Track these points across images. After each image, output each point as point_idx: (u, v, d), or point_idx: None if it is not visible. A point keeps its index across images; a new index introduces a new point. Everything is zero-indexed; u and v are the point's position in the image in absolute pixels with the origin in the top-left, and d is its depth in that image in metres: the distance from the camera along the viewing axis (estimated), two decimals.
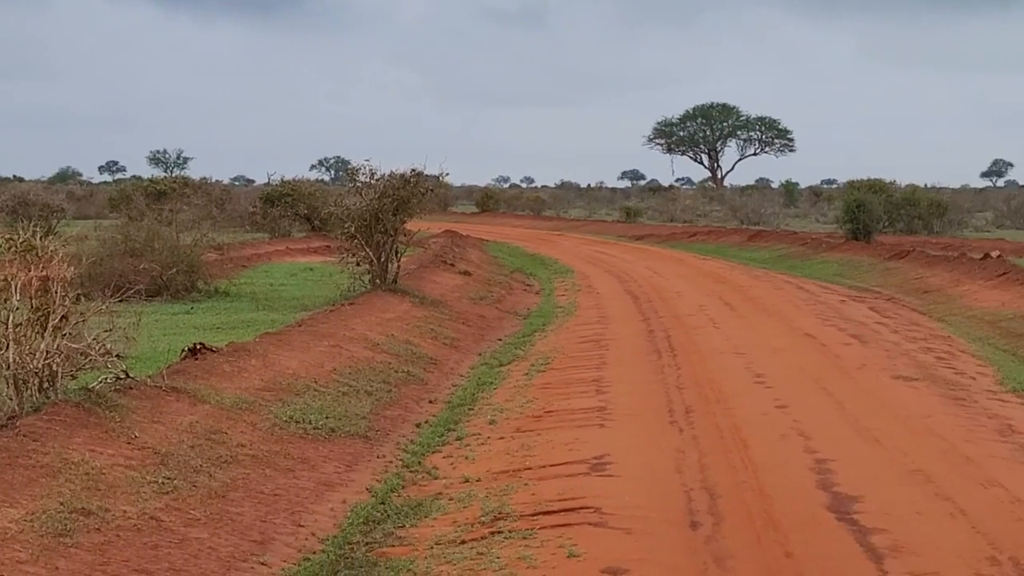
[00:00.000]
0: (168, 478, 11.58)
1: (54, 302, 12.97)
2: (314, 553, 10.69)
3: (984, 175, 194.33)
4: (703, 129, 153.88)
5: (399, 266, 29.63)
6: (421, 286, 30.20)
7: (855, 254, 46.12)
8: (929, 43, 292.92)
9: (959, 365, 20.67)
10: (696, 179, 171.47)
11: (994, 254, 39.68)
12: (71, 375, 13.15)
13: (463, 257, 42.62)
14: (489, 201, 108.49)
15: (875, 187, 64.65)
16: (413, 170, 29.39)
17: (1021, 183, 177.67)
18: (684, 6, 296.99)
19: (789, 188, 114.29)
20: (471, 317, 27.56)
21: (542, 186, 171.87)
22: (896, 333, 24.87)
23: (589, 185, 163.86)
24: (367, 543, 10.93)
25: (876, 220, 53.70)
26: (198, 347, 16.73)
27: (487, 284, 35.65)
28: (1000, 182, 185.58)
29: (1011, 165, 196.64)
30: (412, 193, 29.11)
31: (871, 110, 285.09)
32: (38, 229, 14.13)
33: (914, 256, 41.92)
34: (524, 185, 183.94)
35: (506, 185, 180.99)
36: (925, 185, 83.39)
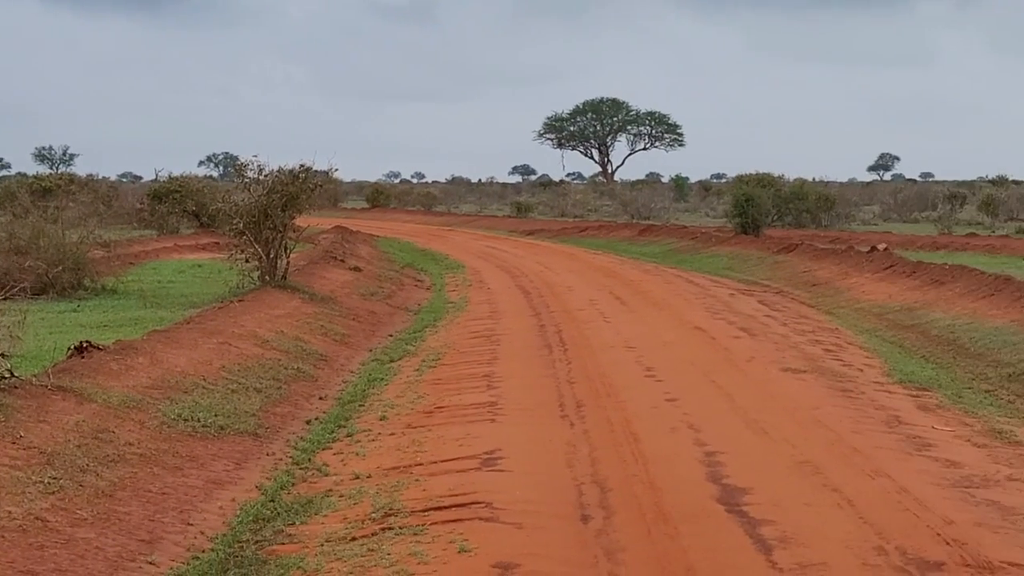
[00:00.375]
0: (54, 478, 11.44)
1: None
2: (203, 552, 10.61)
3: (871, 169, 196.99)
4: (593, 124, 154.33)
5: (288, 262, 29.50)
6: (311, 282, 30.07)
7: (744, 248, 46.51)
8: (816, 38, 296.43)
9: (847, 357, 20.90)
10: (587, 174, 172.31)
11: (881, 247, 40.25)
12: None
13: (353, 253, 42.49)
14: (380, 196, 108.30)
15: (764, 181, 65.31)
16: (302, 166, 29.26)
17: (908, 176, 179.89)
18: (573, 0, 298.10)
19: (679, 183, 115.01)
20: (362, 313, 27.48)
21: (433, 181, 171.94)
22: (785, 326, 25.11)
23: (480, 180, 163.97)
24: (257, 541, 10.87)
25: (765, 214, 54.24)
26: (85, 345, 16.54)
27: (378, 280, 35.57)
28: (887, 175, 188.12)
29: (897, 159, 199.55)
30: (301, 189, 28.95)
31: (759, 105, 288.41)
32: None
33: (802, 249, 42.33)
34: (415, 180, 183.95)
35: (397, 180, 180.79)
36: (813, 179, 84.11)
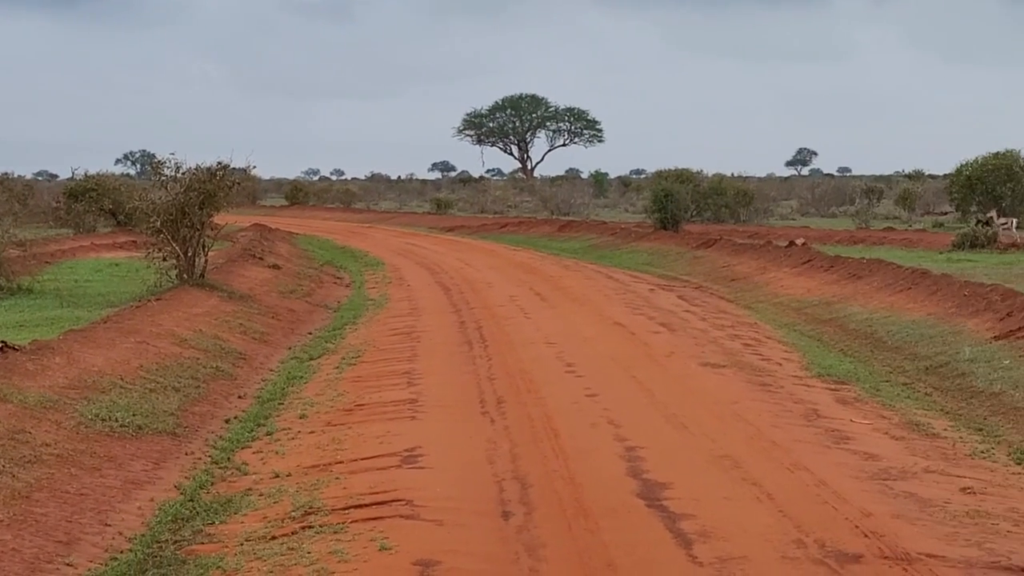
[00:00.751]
0: None
1: None
2: (121, 553, 10.54)
3: (789, 164, 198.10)
4: (513, 120, 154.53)
5: (207, 261, 29.34)
6: (229, 280, 29.92)
7: (663, 243, 46.69)
8: (734, 34, 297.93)
9: (765, 351, 21.04)
10: (506, 170, 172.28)
11: (799, 242, 40.50)
12: None
13: (272, 251, 42.32)
14: (298, 194, 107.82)
15: (682, 177, 65.60)
16: (220, 163, 29.10)
17: (825, 171, 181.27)
18: None
19: (598, 179, 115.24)
20: (281, 311, 27.36)
21: (352, 178, 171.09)
22: (704, 321, 25.23)
23: (400, 177, 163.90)
24: (176, 541, 10.80)
25: (684, 209, 54.46)
26: (0, 345, 16.39)
27: (297, 278, 35.44)
28: (805, 171, 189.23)
29: (815, 154, 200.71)
30: (219, 187, 28.80)
31: (678, 101, 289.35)
32: None
33: (721, 244, 42.56)
34: (334, 178, 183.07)
35: (316, 178, 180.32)
36: (732, 174, 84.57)
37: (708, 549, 9.80)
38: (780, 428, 14.52)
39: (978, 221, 45.96)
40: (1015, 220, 45.81)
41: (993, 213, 47.32)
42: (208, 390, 17.75)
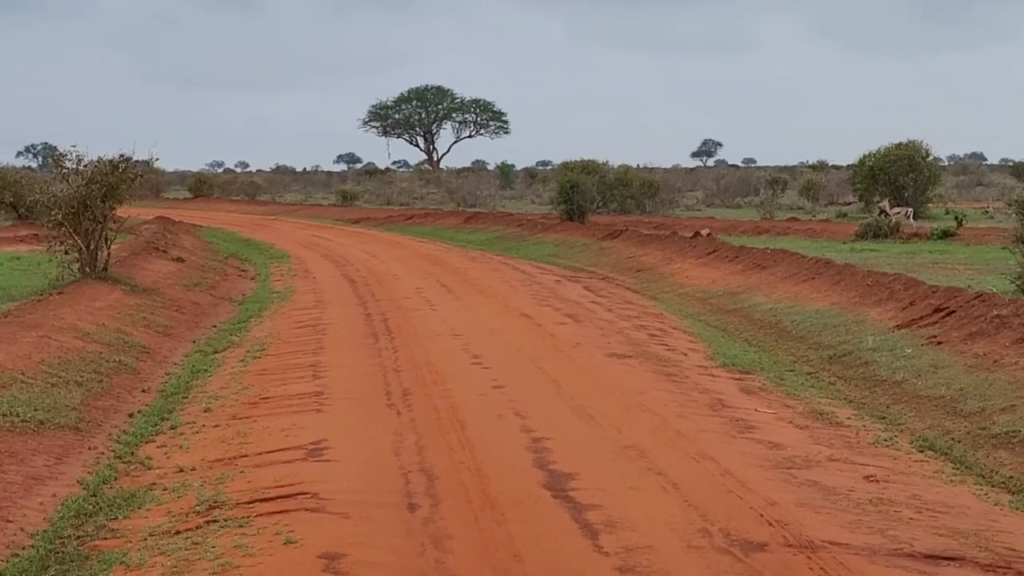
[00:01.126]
0: None
1: None
2: (23, 549, 10.42)
3: (695, 155, 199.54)
4: (419, 112, 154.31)
5: (109, 254, 29.08)
6: (133, 274, 29.68)
7: (570, 235, 46.85)
8: (639, 25, 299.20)
9: (671, 342, 21.16)
10: (412, 162, 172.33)
11: (704, 232, 40.81)
12: None
13: (176, 243, 42.00)
14: (203, 186, 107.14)
15: (588, 168, 65.83)
16: (122, 155, 28.85)
17: (730, 162, 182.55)
18: None
19: (505, 170, 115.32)
20: (185, 304, 27.18)
21: (257, 170, 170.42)
22: (610, 312, 25.34)
23: (305, 169, 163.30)
24: (79, 537, 10.71)
25: (590, 201, 54.65)
26: None
27: (201, 270, 35.20)
28: (710, 161, 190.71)
29: (720, 145, 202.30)
30: (121, 179, 28.56)
31: (584, 92, 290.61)
32: None
33: (627, 236, 42.74)
34: (239, 170, 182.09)
35: (220, 170, 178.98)
36: (637, 165, 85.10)
37: (614, 539, 9.84)
38: (685, 418, 14.61)
39: (880, 211, 46.50)
40: (910, 210, 46.34)
41: (886, 203, 47.88)
42: (111, 384, 17.59)
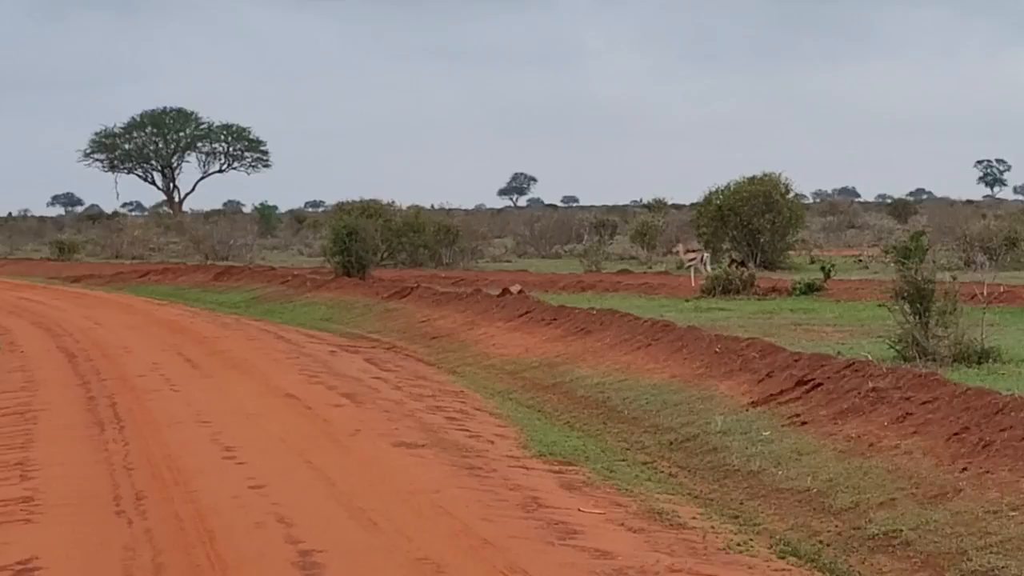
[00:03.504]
0: None
1: None
2: None
3: (503, 192, 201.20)
4: (155, 140, 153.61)
5: None
6: None
7: (347, 293, 46.87)
8: (435, 33, 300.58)
9: (474, 426, 21.21)
10: (148, 204, 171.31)
11: (514, 289, 41.00)
12: None
13: None
14: None
15: (370, 210, 66.08)
16: None
17: (547, 202, 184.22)
18: None
19: (265, 213, 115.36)
20: None
21: None
22: (398, 390, 25.35)
23: (11, 214, 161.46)
24: None
25: (372, 251, 54.75)
26: None
27: None
28: (522, 201, 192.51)
29: (534, 180, 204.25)
30: None
31: (365, 115, 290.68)
32: None
33: (419, 294, 42.87)
34: None
35: None
36: (432, 206, 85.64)
37: None
38: (492, 521, 14.64)
39: (732, 261, 47.18)
40: (707, 253, 47.00)
41: (680, 246, 48.65)
42: None
